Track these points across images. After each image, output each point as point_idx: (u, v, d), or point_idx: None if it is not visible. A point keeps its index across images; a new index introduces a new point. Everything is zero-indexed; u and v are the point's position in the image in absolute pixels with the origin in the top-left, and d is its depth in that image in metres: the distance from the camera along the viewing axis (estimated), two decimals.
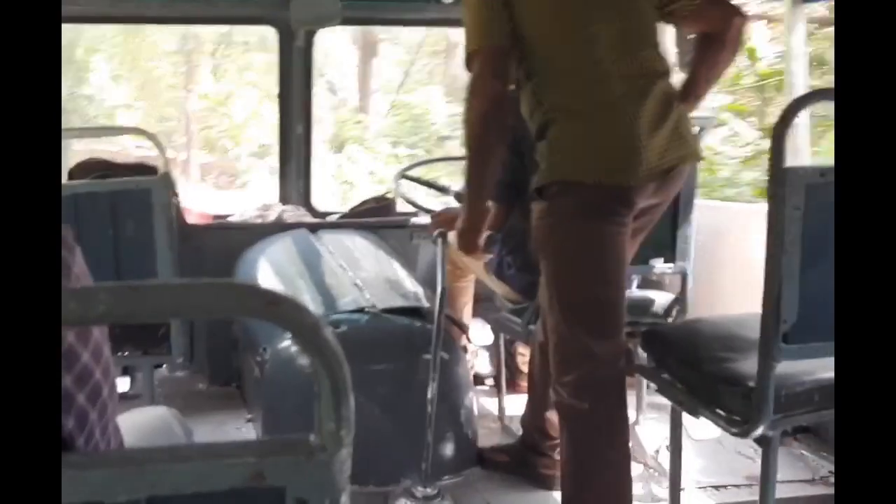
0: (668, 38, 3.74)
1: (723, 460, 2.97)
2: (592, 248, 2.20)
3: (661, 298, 3.21)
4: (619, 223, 2.19)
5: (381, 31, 16.86)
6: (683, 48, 3.50)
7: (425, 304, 3.06)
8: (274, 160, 4.57)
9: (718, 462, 2.95)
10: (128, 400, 3.19)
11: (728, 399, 2.02)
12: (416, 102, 16.91)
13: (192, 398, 3.61)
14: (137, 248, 2.51)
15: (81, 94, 19.30)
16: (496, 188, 2.40)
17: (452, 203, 3.26)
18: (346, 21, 4.15)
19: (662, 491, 2.70)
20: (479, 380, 3.68)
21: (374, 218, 4.26)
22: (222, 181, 20.38)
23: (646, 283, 3.45)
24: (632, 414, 2.78)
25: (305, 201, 4.38)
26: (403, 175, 3.56)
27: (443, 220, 2.82)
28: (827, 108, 2.72)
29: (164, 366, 3.39)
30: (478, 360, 3.77)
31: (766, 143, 2.69)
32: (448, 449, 2.83)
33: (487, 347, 3.74)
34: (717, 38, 2.35)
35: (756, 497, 2.05)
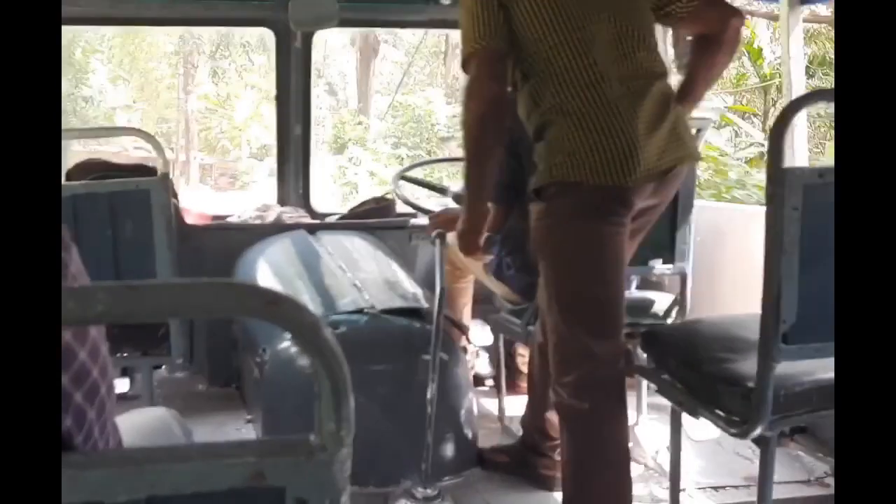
0: (666, 39, 3.75)
1: (721, 461, 2.97)
2: (591, 248, 2.20)
3: (660, 299, 3.21)
4: (618, 223, 2.19)
5: (381, 33, 16.90)
6: (681, 50, 3.50)
7: (424, 304, 3.06)
8: (274, 161, 4.56)
9: (717, 463, 2.96)
10: (127, 401, 3.19)
11: (727, 399, 2.02)
12: (417, 103, 16.93)
13: (192, 399, 3.61)
14: (136, 248, 2.51)
15: (80, 95, 19.32)
16: (495, 190, 2.41)
17: (451, 204, 3.27)
18: (344, 23, 4.15)
19: (662, 491, 2.71)
20: (479, 380, 3.69)
21: (373, 219, 4.26)
22: (222, 182, 20.41)
23: (645, 284, 3.46)
24: (632, 415, 2.78)
25: (304, 202, 4.39)
26: (402, 176, 3.56)
27: (441, 220, 2.83)
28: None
29: (164, 366, 3.39)
30: (478, 360, 3.77)
31: None
32: (448, 450, 2.83)
33: (487, 348, 3.75)
34: (714, 40, 2.35)
35: (754, 497, 2.05)
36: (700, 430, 2.75)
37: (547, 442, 2.78)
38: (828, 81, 9.76)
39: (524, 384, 3.12)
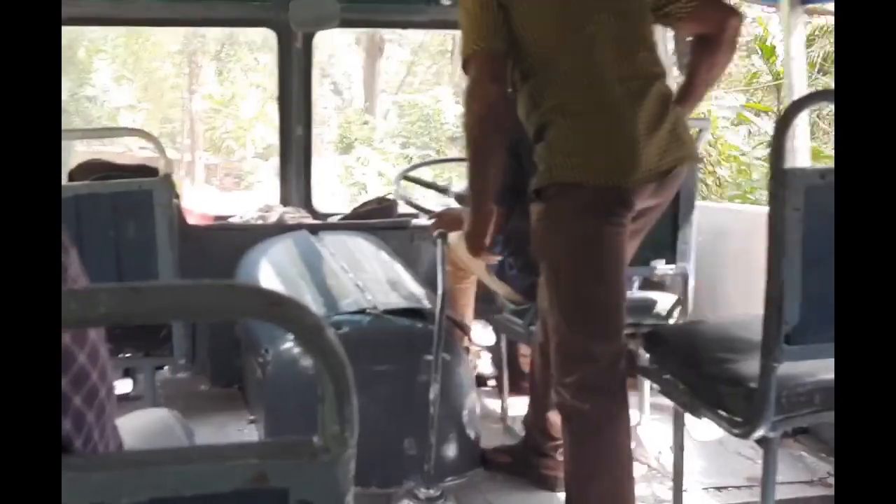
0: (666, 40, 3.75)
1: (724, 461, 2.97)
2: (591, 249, 2.20)
3: (662, 300, 3.21)
4: (618, 224, 2.19)
5: (386, 32, 16.86)
6: (682, 50, 3.50)
7: (427, 305, 3.06)
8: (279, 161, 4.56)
9: (720, 463, 2.95)
10: (129, 401, 3.20)
11: (730, 400, 2.02)
12: (426, 102, 16.88)
13: (194, 400, 3.61)
14: (139, 249, 2.51)
15: (84, 95, 19.32)
16: (496, 191, 2.41)
17: (453, 204, 3.26)
18: (345, 23, 4.15)
19: (665, 492, 2.70)
20: (481, 381, 3.68)
21: (375, 219, 4.26)
22: (227, 182, 20.41)
23: (647, 285, 3.45)
24: (635, 415, 2.78)
25: (306, 202, 4.39)
26: (404, 176, 3.56)
27: (443, 221, 2.83)
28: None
29: (166, 367, 3.40)
30: (480, 361, 3.77)
31: None
32: (451, 450, 2.82)
33: (490, 348, 3.75)
34: (714, 40, 2.35)
35: (757, 498, 2.06)
36: (703, 430, 2.75)
37: (549, 442, 2.78)
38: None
39: (527, 384, 3.12)
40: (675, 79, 3.16)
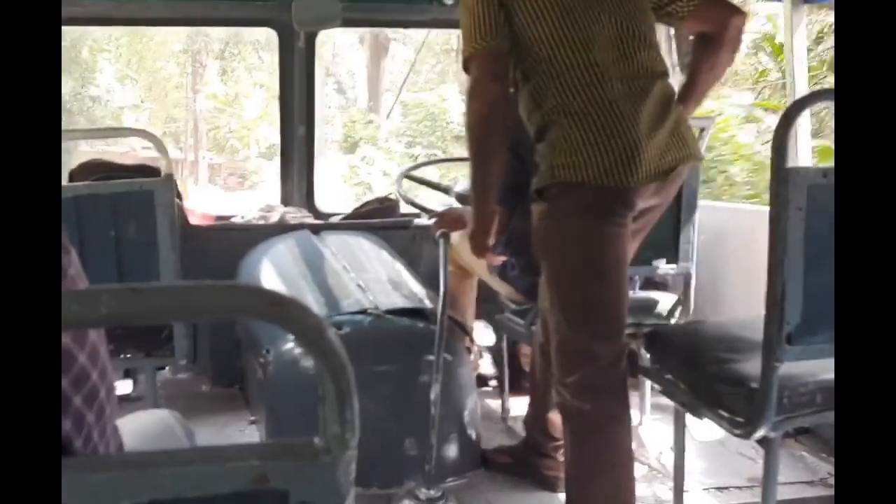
0: (669, 39, 3.74)
1: (725, 462, 2.97)
2: (593, 248, 2.20)
3: (664, 299, 3.21)
4: (619, 224, 2.19)
5: (390, 31, 16.84)
6: (683, 49, 3.49)
7: (428, 305, 3.06)
8: None
9: (721, 463, 2.95)
10: (130, 402, 3.20)
11: (731, 400, 2.02)
12: (431, 101, 16.83)
13: (195, 400, 3.61)
14: (140, 249, 2.50)
15: (88, 94, 19.33)
16: (498, 191, 2.40)
17: (455, 204, 3.26)
18: (347, 23, 4.15)
19: (666, 492, 2.70)
20: (482, 381, 3.68)
21: (377, 219, 4.26)
22: (231, 182, 20.43)
23: (649, 285, 3.45)
24: (635, 415, 2.78)
25: (308, 202, 4.39)
26: (406, 175, 3.56)
27: (445, 220, 2.82)
28: None
29: (167, 368, 3.40)
30: (481, 361, 3.77)
31: None
32: (452, 450, 2.82)
33: (491, 348, 3.75)
34: (716, 39, 2.35)
35: (758, 498, 2.05)
36: (704, 430, 2.75)
37: (550, 442, 2.78)
38: None
39: (527, 384, 3.12)
40: (676, 78, 3.15)
